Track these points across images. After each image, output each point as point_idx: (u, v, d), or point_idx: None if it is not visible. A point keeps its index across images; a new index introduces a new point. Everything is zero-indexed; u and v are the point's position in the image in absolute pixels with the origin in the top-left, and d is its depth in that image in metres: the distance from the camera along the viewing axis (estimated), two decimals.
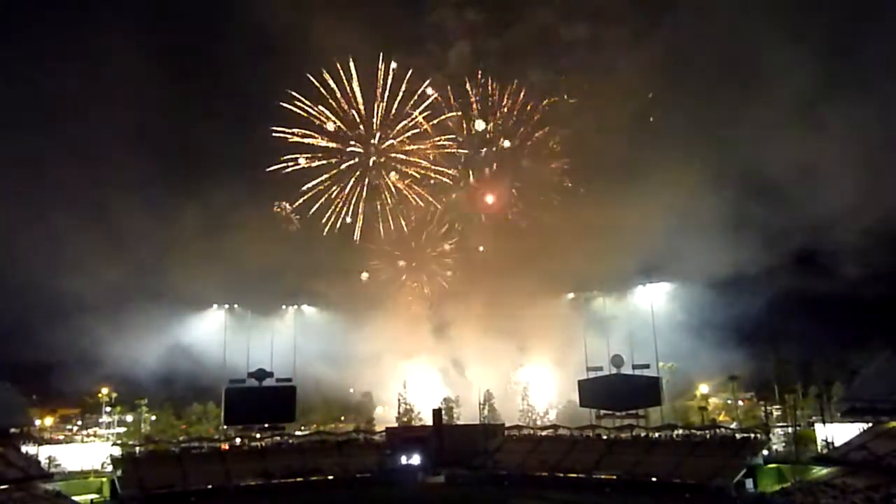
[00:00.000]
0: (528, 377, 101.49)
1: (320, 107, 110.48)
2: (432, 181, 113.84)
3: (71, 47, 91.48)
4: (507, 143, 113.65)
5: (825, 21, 79.77)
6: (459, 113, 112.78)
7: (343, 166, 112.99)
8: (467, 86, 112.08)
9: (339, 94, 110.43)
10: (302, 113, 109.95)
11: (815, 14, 79.92)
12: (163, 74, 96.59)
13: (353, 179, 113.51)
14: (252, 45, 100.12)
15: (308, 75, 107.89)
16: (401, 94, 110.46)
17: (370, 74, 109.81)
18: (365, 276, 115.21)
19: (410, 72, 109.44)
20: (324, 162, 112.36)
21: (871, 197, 77.66)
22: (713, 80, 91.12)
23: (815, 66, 79.85)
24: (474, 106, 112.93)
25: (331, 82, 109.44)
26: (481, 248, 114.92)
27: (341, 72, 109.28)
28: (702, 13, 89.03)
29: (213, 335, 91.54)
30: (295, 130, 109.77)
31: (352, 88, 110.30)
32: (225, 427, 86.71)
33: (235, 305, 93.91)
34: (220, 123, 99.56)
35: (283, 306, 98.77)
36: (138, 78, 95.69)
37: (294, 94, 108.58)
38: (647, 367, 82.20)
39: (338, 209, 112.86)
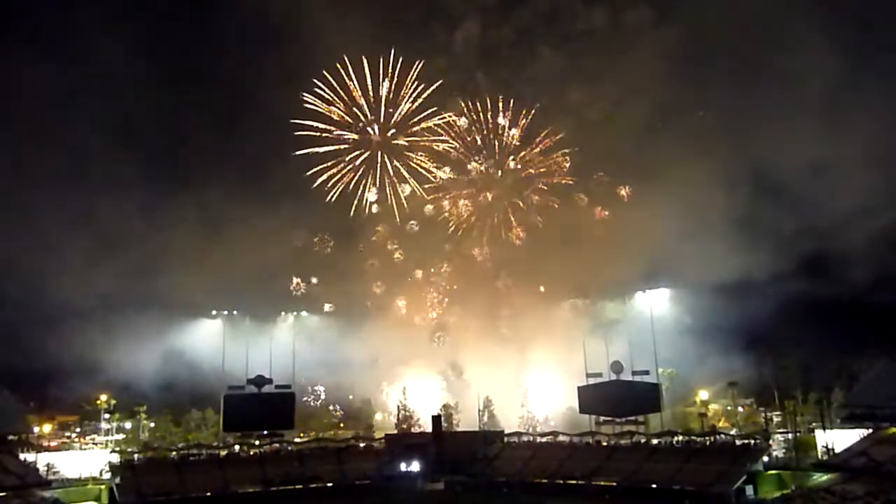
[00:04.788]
0: (527, 383, 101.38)
1: (320, 97, 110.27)
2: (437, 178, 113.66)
3: (52, 43, 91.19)
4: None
5: (848, 15, 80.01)
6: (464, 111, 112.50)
7: (349, 157, 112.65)
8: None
9: (338, 85, 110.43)
10: (309, 105, 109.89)
11: (838, 8, 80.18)
12: (151, 69, 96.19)
13: (359, 172, 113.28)
14: (244, 34, 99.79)
15: (304, 66, 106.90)
16: (412, 88, 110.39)
17: (371, 59, 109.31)
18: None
19: (420, 64, 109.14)
20: (331, 148, 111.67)
21: (879, 200, 77.78)
22: (727, 77, 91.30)
23: (835, 61, 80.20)
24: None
25: (327, 73, 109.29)
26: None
27: (344, 60, 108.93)
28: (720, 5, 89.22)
29: (211, 342, 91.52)
30: (307, 122, 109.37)
31: (353, 76, 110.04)
32: (224, 434, 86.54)
33: (234, 312, 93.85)
34: (214, 119, 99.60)
35: (283, 312, 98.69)
36: (125, 73, 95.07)
37: (291, 85, 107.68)
38: (647, 373, 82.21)
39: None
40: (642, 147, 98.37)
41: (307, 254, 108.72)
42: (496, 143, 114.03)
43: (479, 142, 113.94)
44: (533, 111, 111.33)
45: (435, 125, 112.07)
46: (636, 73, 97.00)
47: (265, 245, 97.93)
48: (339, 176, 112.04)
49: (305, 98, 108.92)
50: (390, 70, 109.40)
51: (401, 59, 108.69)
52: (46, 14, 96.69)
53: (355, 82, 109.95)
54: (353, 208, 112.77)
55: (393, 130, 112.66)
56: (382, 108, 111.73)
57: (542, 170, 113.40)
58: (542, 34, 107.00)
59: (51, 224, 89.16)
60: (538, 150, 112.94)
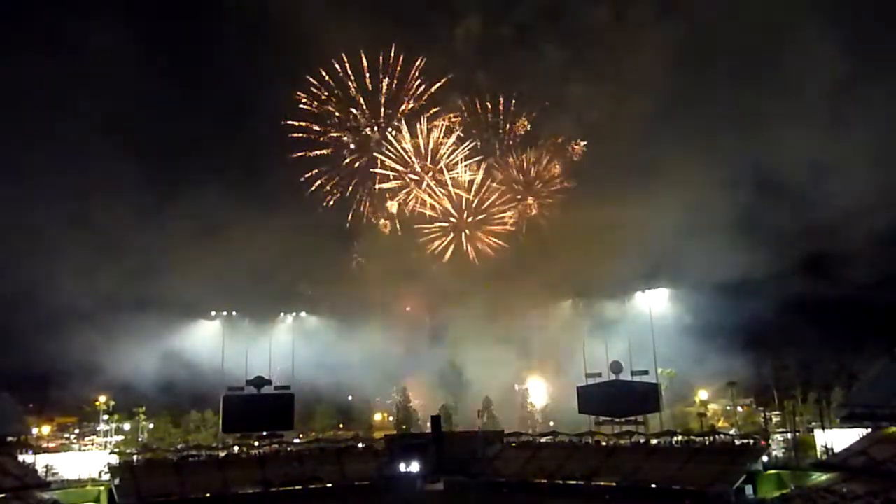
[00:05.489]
0: (527, 383, 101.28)
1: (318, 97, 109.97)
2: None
3: (49, 42, 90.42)
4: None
5: (851, 14, 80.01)
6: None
7: (348, 158, 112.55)
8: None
9: (336, 85, 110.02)
10: (305, 106, 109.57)
11: (842, 6, 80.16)
12: (149, 67, 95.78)
13: (359, 173, 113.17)
14: (243, 33, 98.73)
15: (303, 66, 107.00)
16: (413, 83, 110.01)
17: (370, 57, 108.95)
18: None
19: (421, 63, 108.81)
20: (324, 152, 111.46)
21: (879, 200, 77.64)
22: (728, 76, 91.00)
23: (838, 60, 80.00)
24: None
25: (325, 72, 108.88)
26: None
27: (344, 59, 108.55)
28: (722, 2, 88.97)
29: (210, 343, 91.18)
30: (303, 123, 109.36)
31: (351, 76, 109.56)
32: (223, 435, 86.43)
33: (233, 313, 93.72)
34: (213, 120, 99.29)
35: (282, 314, 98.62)
36: (122, 74, 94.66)
37: (290, 85, 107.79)
38: (646, 373, 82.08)
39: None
40: (643, 146, 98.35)
41: (306, 254, 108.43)
42: (496, 142, 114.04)
43: (479, 142, 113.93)
44: (534, 113, 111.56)
45: (433, 127, 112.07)
46: (637, 70, 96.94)
47: (264, 246, 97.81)
48: (337, 177, 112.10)
49: (303, 98, 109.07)
50: (389, 68, 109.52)
51: (401, 57, 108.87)
52: (43, 13, 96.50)
53: (353, 82, 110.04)
54: (352, 209, 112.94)
55: (393, 132, 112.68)
56: (382, 109, 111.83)
57: (542, 170, 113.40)
58: (543, 31, 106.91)
59: (49, 225, 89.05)
60: (539, 149, 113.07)
